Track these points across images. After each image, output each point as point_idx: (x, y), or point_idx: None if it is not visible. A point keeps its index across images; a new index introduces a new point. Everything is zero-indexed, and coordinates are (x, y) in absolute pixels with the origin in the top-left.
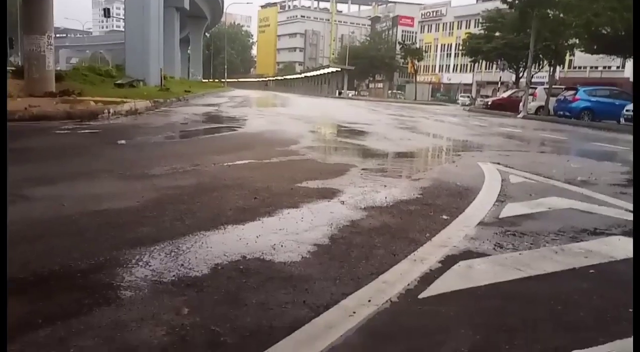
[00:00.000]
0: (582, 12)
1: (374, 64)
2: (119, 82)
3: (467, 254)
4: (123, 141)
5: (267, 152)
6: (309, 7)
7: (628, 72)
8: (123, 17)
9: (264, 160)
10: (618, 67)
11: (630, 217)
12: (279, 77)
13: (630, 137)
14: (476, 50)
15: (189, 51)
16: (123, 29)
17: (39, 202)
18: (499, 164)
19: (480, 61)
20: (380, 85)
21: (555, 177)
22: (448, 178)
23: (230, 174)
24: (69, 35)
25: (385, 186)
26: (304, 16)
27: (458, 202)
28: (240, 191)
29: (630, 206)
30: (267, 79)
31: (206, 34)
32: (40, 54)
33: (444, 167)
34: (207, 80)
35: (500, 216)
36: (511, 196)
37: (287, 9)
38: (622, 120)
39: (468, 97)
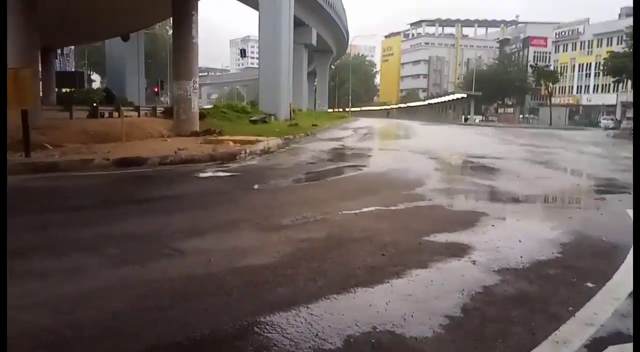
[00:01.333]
0: None
1: (502, 88)
2: (253, 119)
3: (618, 337)
4: (258, 186)
5: (392, 197)
6: (433, 33)
7: None
8: (257, 56)
9: (390, 207)
10: None
11: None
12: (402, 105)
13: None
14: (620, 69)
15: (315, 83)
16: (257, 66)
17: (190, 257)
18: None
19: (625, 81)
20: (510, 110)
21: None
22: (592, 231)
23: (358, 224)
24: (209, 73)
25: (520, 240)
26: (427, 43)
27: (604, 265)
28: (368, 245)
29: None
30: (389, 107)
31: (331, 66)
32: (187, 97)
33: (587, 215)
34: (332, 110)
35: None
36: None
37: (410, 37)
38: None
39: (612, 119)
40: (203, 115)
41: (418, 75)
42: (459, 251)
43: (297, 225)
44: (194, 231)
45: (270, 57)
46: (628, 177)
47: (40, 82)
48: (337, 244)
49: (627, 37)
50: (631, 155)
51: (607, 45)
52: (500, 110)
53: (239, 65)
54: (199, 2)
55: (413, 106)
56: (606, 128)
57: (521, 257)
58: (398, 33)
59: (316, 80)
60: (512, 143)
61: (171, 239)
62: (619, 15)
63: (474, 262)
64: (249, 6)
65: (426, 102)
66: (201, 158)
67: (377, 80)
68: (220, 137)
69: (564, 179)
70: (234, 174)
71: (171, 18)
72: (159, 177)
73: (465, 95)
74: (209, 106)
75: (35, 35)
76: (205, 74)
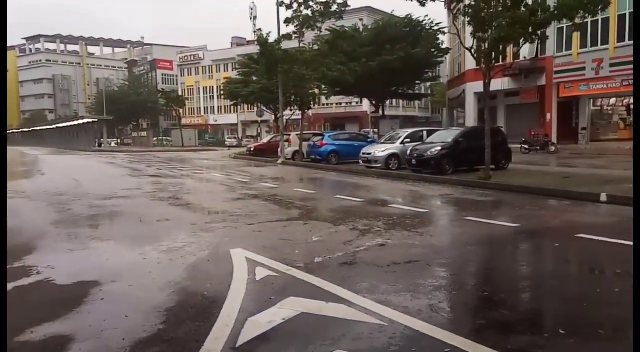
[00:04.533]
0: (317, 67)
1: (136, 110)
2: None
3: None
4: None
5: None
6: (55, 50)
7: (366, 106)
8: None
9: None
10: (357, 102)
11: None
12: (26, 129)
13: (366, 182)
14: (235, 94)
15: None
16: None
17: None
18: (249, 249)
19: (242, 104)
20: (144, 133)
21: (297, 263)
22: (197, 284)
23: None
24: None
25: (126, 315)
26: (49, 60)
27: (200, 329)
28: None
29: (353, 297)
30: (10, 131)
31: None
32: None
33: (196, 264)
34: None
35: (238, 344)
36: (253, 304)
37: (28, 52)
38: (360, 161)
39: (235, 138)
40: None
41: (42, 95)
42: (59, 348)
43: None
44: None
45: None
46: (238, 208)
47: None
48: None
49: (239, 65)
50: (244, 180)
51: (224, 71)
52: (135, 134)
53: None
54: None
55: (40, 130)
56: (230, 146)
57: (123, 339)
58: (12, 47)
59: None
60: (143, 174)
61: None
62: (231, 44)
63: None
64: None
65: (54, 127)
66: None
67: None
68: None
69: (183, 220)
70: None
71: None
72: None
73: (96, 120)
74: None
75: None
76: None
